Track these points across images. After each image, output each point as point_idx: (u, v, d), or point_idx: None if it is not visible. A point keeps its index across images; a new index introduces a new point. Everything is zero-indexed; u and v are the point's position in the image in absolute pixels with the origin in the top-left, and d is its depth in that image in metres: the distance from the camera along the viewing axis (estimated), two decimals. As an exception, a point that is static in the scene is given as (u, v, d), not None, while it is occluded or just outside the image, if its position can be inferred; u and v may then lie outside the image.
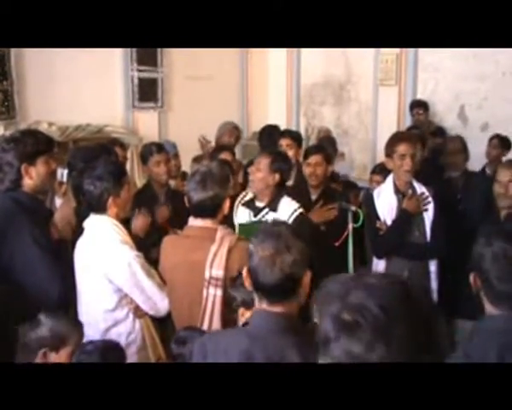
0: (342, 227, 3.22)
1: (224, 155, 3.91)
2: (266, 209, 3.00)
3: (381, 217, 3.23)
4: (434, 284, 3.18)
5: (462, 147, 3.90)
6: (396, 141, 3.21)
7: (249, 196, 3.13)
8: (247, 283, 1.59)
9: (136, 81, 5.70)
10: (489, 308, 1.66)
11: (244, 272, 1.60)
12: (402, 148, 3.16)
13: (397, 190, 3.25)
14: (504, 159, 4.19)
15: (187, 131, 4.80)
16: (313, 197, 3.49)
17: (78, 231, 2.55)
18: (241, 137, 5.18)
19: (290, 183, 3.68)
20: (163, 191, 3.49)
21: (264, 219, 2.97)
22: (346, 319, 1.00)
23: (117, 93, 5.64)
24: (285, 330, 1.52)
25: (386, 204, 3.24)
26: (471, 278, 1.71)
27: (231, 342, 1.58)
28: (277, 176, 2.97)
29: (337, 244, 3.21)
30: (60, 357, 2.04)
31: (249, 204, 3.08)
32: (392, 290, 1.02)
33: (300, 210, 2.98)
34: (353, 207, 3.24)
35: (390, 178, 3.30)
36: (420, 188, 3.26)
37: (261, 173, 2.96)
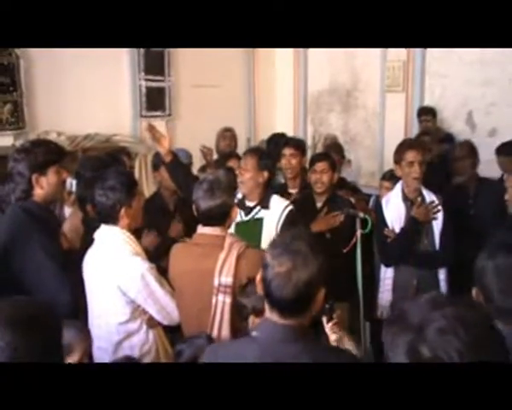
0: (350, 234, 3.23)
1: (232, 163, 3.93)
2: (258, 208, 3.03)
3: (390, 224, 3.23)
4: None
5: (469, 151, 3.88)
6: (404, 148, 3.22)
7: (238, 196, 3.12)
8: (259, 289, 1.58)
9: (143, 90, 5.73)
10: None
11: (257, 280, 1.59)
12: (410, 155, 3.16)
13: (405, 198, 3.25)
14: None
15: (194, 140, 4.81)
16: (318, 205, 3.49)
17: (86, 241, 2.55)
18: (237, 141, 5.21)
19: (295, 190, 3.70)
20: (172, 200, 3.51)
21: (258, 217, 3.01)
22: (425, 355, 0.95)
23: (125, 102, 5.67)
24: (295, 339, 1.51)
25: (394, 211, 3.25)
26: (473, 292, 1.70)
27: (242, 350, 1.57)
28: (266, 173, 3.01)
29: (345, 251, 3.21)
30: None
31: (239, 204, 3.04)
32: (473, 323, 0.96)
33: (291, 207, 3.00)
34: (361, 214, 3.24)
35: (399, 186, 3.30)
36: (429, 196, 3.26)
37: (250, 173, 2.99)
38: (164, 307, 2.36)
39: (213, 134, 5.06)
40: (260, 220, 2.99)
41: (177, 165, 3.05)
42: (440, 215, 3.21)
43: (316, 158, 3.63)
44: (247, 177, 3.00)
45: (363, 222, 3.22)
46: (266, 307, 1.57)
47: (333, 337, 2.09)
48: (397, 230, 3.21)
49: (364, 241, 3.23)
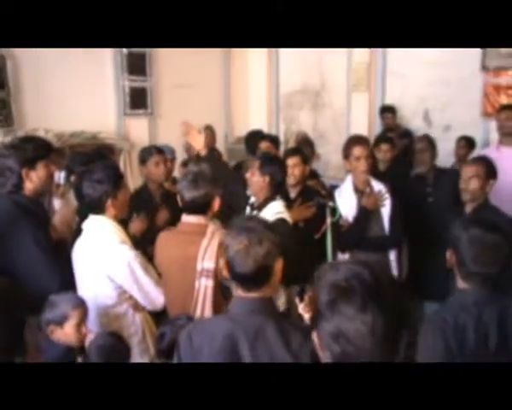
0: (321, 222, 3.24)
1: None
2: (256, 210, 3.01)
3: (343, 214, 3.24)
4: (395, 272, 3.20)
5: (429, 145, 3.93)
6: (351, 144, 3.22)
7: (253, 198, 3.13)
8: (225, 273, 1.61)
9: (127, 90, 5.66)
10: (461, 284, 1.75)
11: (221, 264, 1.63)
12: (357, 150, 3.17)
13: (356, 189, 3.27)
14: (470, 157, 4.25)
15: (175, 137, 4.76)
16: (292, 196, 3.48)
17: (76, 231, 2.52)
18: (215, 137, 5.19)
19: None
20: (158, 192, 3.48)
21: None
22: (342, 285, 1.07)
23: (109, 101, 5.59)
24: (261, 311, 1.56)
25: (346, 202, 3.26)
26: (448, 254, 1.79)
27: (215, 327, 1.60)
28: (267, 178, 2.94)
29: (316, 237, 3.22)
30: (65, 331, 2.08)
31: (251, 205, 3.11)
32: (381, 267, 1.09)
33: (282, 216, 2.85)
34: (331, 203, 3.25)
35: (349, 178, 3.33)
36: (377, 185, 3.28)
37: (255, 177, 2.95)
38: (148, 293, 2.36)
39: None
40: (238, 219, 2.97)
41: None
42: (388, 202, 3.23)
43: (288, 153, 3.62)
44: (254, 180, 2.96)
45: (333, 211, 3.24)
46: (233, 285, 1.61)
47: (306, 317, 2.10)
48: (350, 219, 3.22)
49: (333, 228, 3.25)
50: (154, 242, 2.45)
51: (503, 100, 5.31)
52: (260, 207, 2.95)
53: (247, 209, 3.12)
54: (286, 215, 2.87)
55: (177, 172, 4.25)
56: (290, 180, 3.46)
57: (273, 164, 2.99)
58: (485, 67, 5.43)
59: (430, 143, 3.93)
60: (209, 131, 5.02)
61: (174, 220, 2.51)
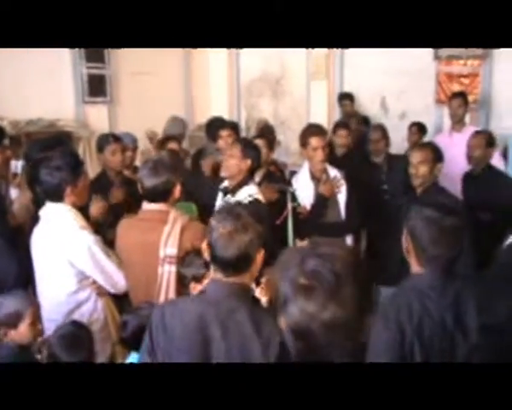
0: (282, 208, 3.28)
1: (171, 145, 3.91)
2: (229, 193, 3.01)
3: (301, 202, 3.27)
4: None
5: (382, 135, 4.02)
6: (309, 134, 3.24)
7: (226, 182, 3.11)
8: (206, 254, 1.60)
9: (85, 78, 5.53)
10: (416, 268, 1.74)
11: (204, 245, 1.61)
12: (314, 141, 3.20)
13: (312, 176, 3.31)
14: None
15: (135, 124, 4.70)
16: (256, 179, 3.51)
17: (37, 219, 2.47)
18: (187, 129, 5.13)
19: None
20: (117, 179, 3.42)
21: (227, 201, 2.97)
22: (302, 282, 1.04)
23: (68, 89, 5.44)
24: (236, 295, 1.55)
25: (304, 190, 3.29)
26: (403, 239, 1.77)
27: (188, 307, 1.59)
28: (249, 161, 2.96)
29: (278, 222, 3.25)
30: (20, 332, 2.01)
31: (223, 189, 3.08)
32: (343, 258, 1.07)
33: (256, 196, 2.92)
34: (291, 189, 3.29)
35: (306, 166, 3.36)
36: (333, 172, 3.32)
37: (234, 160, 2.94)
38: (110, 275, 2.34)
39: (153, 118, 4.95)
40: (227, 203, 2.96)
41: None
42: (344, 188, 3.28)
43: (254, 137, 3.62)
44: (232, 163, 2.94)
45: (293, 197, 3.28)
46: (212, 268, 1.60)
47: (263, 300, 2.13)
48: (308, 206, 3.25)
49: (294, 214, 3.29)
50: (113, 226, 2.43)
51: (456, 88, 5.49)
52: (234, 190, 2.97)
53: (221, 195, 3.10)
54: (261, 197, 2.91)
55: (139, 161, 4.21)
56: None
57: (255, 149, 3.04)
58: (437, 57, 5.59)
59: (384, 132, 4.03)
60: (179, 120, 4.91)
61: (135, 209, 2.48)
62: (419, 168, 2.94)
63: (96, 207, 2.79)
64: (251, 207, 1.64)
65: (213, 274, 1.60)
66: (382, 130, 4.07)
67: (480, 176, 3.40)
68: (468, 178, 3.53)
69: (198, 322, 1.53)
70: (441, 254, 1.67)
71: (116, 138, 3.43)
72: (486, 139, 3.41)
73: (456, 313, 1.65)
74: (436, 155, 2.98)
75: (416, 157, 2.98)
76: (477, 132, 3.59)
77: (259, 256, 1.59)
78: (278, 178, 3.51)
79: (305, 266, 1.06)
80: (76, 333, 2.03)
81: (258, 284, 2.12)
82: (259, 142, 3.46)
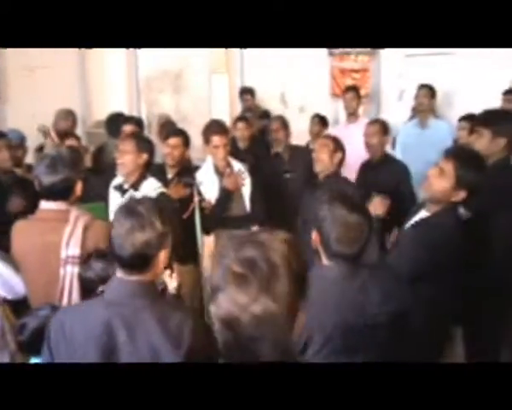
0: (190, 201, 3.25)
1: (70, 142, 3.73)
2: (131, 190, 2.90)
3: (206, 196, 3.28)
4: None
5: (282, 125, 4.12)
6: (209, 133, 3.27)
7: (119, 179, 2.99)
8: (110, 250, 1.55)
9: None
10: (324, 260, 1.78)
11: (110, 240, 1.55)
12: (215, 139, 3.23)
13: (216, 170, 3.32)
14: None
15: (27, 122, 4.39)
16: (169, 176, 3.43)
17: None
18: (77, 122, 4.88)
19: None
20: (8, 178, 3.19)
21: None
22: (236, 271, 0.99)
23: None
24: (139, 294, 1.50)
25: (208, 184, 3.30)
26: (313, 234, 1.79)
27: (90, 312, 1.51)
28: (145, 155, 2.88)
29: (185, 217, 3.22)
30: None
31: (119, 187, 2.96)
32: (281, 247, 1.02)
33: (162, 190, 2.91)
34: (197, 182, 3.26)
35: (209, 160, 3.36)
36: (236, 165, 3.36)
37: (129, 155, 2.84)
38: (7, 280, 2.18)
39: (46, 114, 4.64)
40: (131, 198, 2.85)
41: None
42: (248, 181, 3.34)
43: (170, 133, 3.51)
44: (128, 158, 2.84)
45: (199, 190, 3.26)
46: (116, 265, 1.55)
47: (171, 286, 2.11)
48: (212, 200, 3.26)
49: (200, 208, 3.27)
50: (6, 231, 2.25)
51: (348, 82, 5.79)
52: (135, 186, 2.88)
53: (117, 194, 2.98)
54: (164, 190, 2.87)
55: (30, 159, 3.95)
56: (168, 160, 3.41)
57: (149, 142, 2.96)
58: (331, 53, 5.86)
59: (283, 123, 4.14)
60: (69, 115, 4.65)
61: (31, 208, 2.32)
62: (321, 155, 3.13)
63: None
64: (156, 204, 1.58)
65: (117, 272, 1.54)
66: (281, 120, 4.18)
67: (379, 164, 3.57)
68: (366, 167, 3.70)
69: (102, 326, 1.45)
70: (346, 251, 1.70)
71: (1, 135, 3.26)
72: (382, 127, 3.59)
73: (362, 300, 1.70)
74: (336, 144, 3.18)
75: (319, 145, 3.18)
76: (372, 121, 3.80)
77: (162, 256, 1.54)
78: (185, 172, 3.47)
79: (241, 253, 1.00)
80: None
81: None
82: (175, 140, 3.39)
